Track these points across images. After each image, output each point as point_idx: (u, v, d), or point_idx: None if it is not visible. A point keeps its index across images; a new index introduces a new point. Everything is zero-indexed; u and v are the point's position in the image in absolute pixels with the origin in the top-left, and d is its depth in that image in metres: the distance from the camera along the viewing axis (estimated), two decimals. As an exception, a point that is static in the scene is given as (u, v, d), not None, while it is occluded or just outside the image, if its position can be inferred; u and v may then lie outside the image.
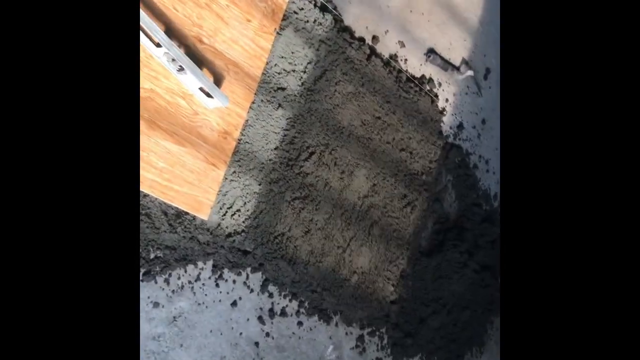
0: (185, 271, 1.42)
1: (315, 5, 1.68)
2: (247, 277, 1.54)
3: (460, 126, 2.23)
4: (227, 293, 1.50)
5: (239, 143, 1.49)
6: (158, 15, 1.31)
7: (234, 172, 1.48)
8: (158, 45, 1.28)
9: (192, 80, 1.34)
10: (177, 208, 1.37)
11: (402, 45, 2.00)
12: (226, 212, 1.47)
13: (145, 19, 1.24)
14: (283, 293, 1.62)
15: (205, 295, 1.46)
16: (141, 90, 1.29)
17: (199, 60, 1.38)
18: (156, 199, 1.33)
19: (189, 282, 1.43)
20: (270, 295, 1.59)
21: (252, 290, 1.55)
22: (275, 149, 1.57)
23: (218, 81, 1.42)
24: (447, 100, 2.17)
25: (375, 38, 1.89)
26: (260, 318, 1.57)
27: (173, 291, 1.40)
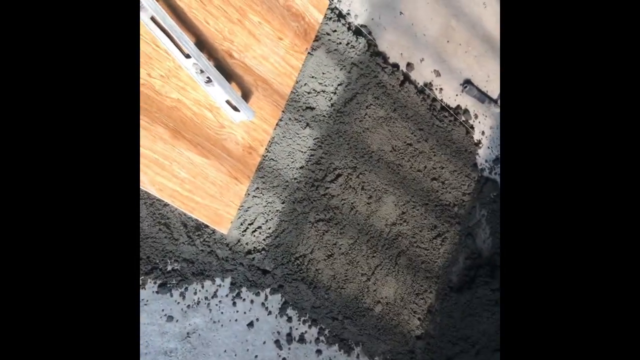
0: (202, 286, 1.39)
1: (349, 29, 1.68)
2: (266, 298, 1.49)
3: (496, 160, 2.16)
4: (245, 313, 1.45)
5: (263, 159, 1.47)
6: (189, 27, 1.33)
7: (257, 188, 1.46)
8: (187, 56, 1.29)
9: (219, 93, 1.34)
10: (197, 220, 1.35)
11: (438, 74, 1.97)
12: (247, 228, 1.44)
13: (176, 30, 1.25)
14: (302, 318, 1.56)
15: (222, 313, 1.42)
16: (168, 100, 1.29)
17: (227, 74, 1.38)
18: (176, 209, 1.32)
19: (206, 298, 1.39)
20: (289, 319, 1.53)
21: (270, 312, 1.50)
22: (300, 168, 1.55)
23: (246, 96, 1.42)
24: (483, 132, 2.12)
25: (409, 65, 1.88)
26: (277, 342, 1.51)
27: (188, 306, 1.36)
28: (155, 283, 1.31)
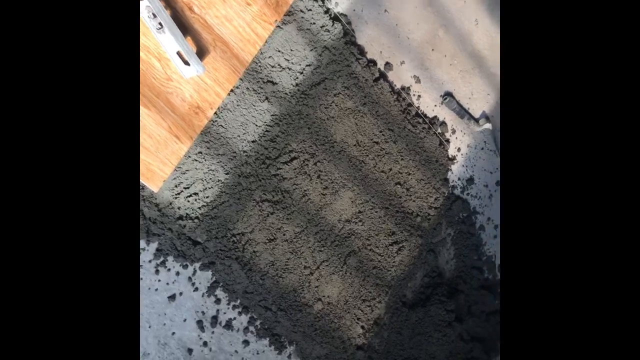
0: (123, 245, 1.28)
1: (326, 12, 1.62)
2: (194, 273, 1.39)
3: (470, 180, 2.08)
4: (167, 284, 1.35)
5: (211, 124, 1.39)
6: (149, -30, 1.27)
7: (200, 152, 1.37)
8: (141, -4, 1.23)
9: (170, 42, 1.27)
10: (127, 172, 1.27)
11: (418, 80, 1.91)
12: (181, 192, 1.35)
13: (131, -35, 1.19)
14: (232, 303, 1.45)
15: (141, 279, 1.31)
16: (114, 40, 1.22)
17: (184, 27, 1.32)
18: (104, 155, 1.23)
19: (125, 258, 1.29)
20: (217, 300, 1.43)
21: (196, 289, 1.39)
22: (252, 141, 1.47)
23: (201, 54, 1.35)
24: (459, 149, 2.04)
25: (388, 65, 1.81)
26: (199, 323, 1.40)
27: (103, 263, 1.26)
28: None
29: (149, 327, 1.32)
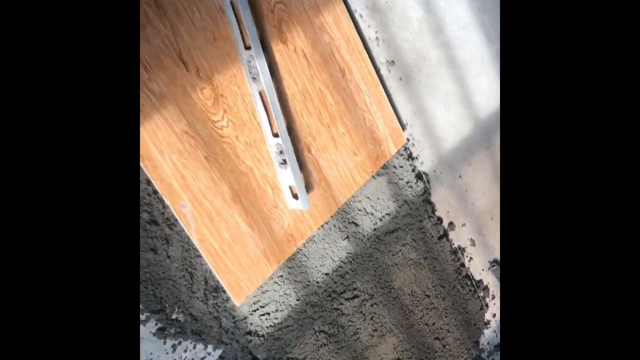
0: (194, 347, 1.37)
1: (413, 170, 1.79)
2: (244, 386, 1.46)
3: (497, 347, 2.16)
4: (219, 391, 1.42)
5: (297, 252, 1.52)
6: (285, 112, 1.44)
7: (281, 276, 1.49)
8: (275, 135, 1.40)
9: (287, 177, 1.42)
10: (219, 283, 1.38)
11: (473, 243, 2.05)
12: (257, 309, 1.45)
13: (277, 109, 1.37)
14: (268, 422, 1.51)
15: (199, 381, 1.39)
16: (242, 166, 1.38)
17: (300, 164, 1.48)
18: (206, 264, 1.35)
19: (192, 359, 1.37)
20: (256, 417, 1.49)
21: (242, 402, 1.46)
22: (326, 274, 1.58)
23: (307, 190, 1.50)
24: (494, 315, 2.14)
25: (451, 224, 1.96)
26: None
27: (173, 360, 1.34)
28: (156, 325, 1.30)
29: None
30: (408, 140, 1.78)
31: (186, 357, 1.36)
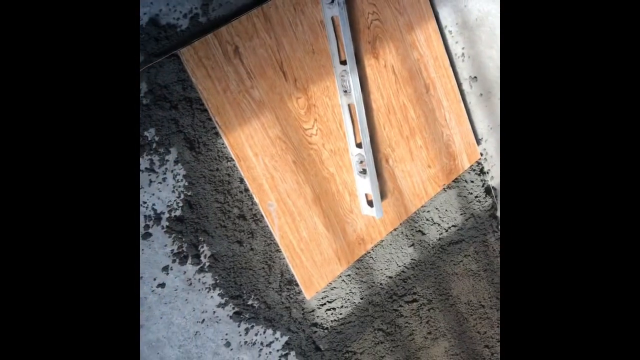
0: (264, 332, 1.50)
1: (482, 185, 1.85)
2: (305, 371, 1.58)
3: None
4: (282, 374, 1.55)
5: (366, 254, 1.61)
6: (369, 124, 1.52)
7: (349, 275, 1.59)
8: (359, 146, 1.48)
9: (365, 185, 1.51)
10: (293, 276, 1.49)
11: (532, 258, 2.09)
12: (325, 304, 1.56)
13: (363, 122, 1.45)
14: (322, 406, 1.63)
15: (265, 363, 1.52)
16: (325, 171, 1.47)
17: (378, 173, 1.56)
18: (284, 258, 1.46)
19: (262, 343, 1.50)
20: (312, 400, 1.61)
21: (301, 385, 1.58)
22: (389, 277, 1.68)
23: (381, 197, 1.59)
24: (544, 329, 2.19)
25: (513, 239, 2.01)
26: (292, 414, 1.58)
27: (246, 342, 1.47)
28: (233, 308, 1.43)
29: (256, 405, 1.51)
30: (481, 155, 1.83)
31: (256, 340, 1.49)
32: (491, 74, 1.83)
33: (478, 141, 1.82)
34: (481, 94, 1.82)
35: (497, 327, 1.98)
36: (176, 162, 1.28)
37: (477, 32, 1.76)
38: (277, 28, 1.35)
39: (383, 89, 1.54)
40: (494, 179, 1.90)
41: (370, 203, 1.53)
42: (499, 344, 2.00)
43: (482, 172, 1.84)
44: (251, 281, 1.45)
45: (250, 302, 1.46)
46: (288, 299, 1.51)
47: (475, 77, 1.79)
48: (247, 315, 1.46)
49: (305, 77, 1.41)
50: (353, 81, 1.42)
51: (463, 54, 1.74)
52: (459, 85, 1.75)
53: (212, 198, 1.35)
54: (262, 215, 1.41)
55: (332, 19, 1.40)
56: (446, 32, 1.69)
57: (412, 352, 1.76)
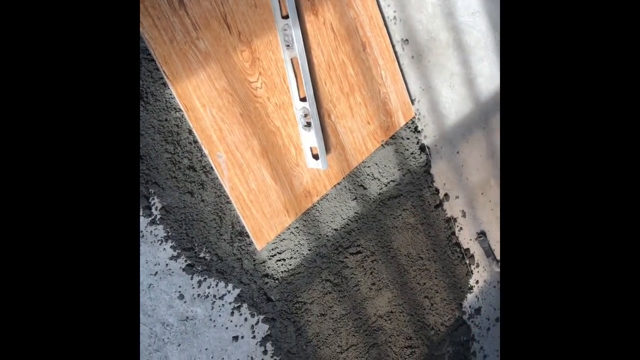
0: (217, 285, 1.53)
1: (417, 143, 1.95)
2: (257, 323, 1.62)
3: (478, 311, 2.36)
4: (235, 326, 1.58)
5: (312, 207, 1.67)
6: (312, 79, 1.58)
7: (297, 227, 1.65)
8: (303, 99, 1.54)
9: (309, 139, 1.57)
10: (244, 228, 1.53)
11: (464, 215, 2.23)
12: (275, 255, 1.61)
13: (306, 76, 1.51)
14: (275, 357, 1.67)
15: (219, 315, 1.54)
16: (271, 124, 1.52)
17: (321, 128, 1.62)
18: (234, 210, 1.50)
19: (214, 295, 1.53)
20: (265, 351, 1.65)
21: (254, 337, 1.62)
22: (335, 229, 1.74)
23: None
24: (477, 281, 2.33)
25: (446, 196, 2.13)
26: (246, 366, 1.62)
27: (199, 295, 1.49)
28: (185, 261, 1.45)
29: (212, 357, 1.54)
30: (415, 114, 1.94)
31: (209, 292, 1.52)
32: (421, 37, 1.94)
33: (412, 101, 1.92)
34: (412, 56, 1.92)
35: (435, 278, 2.10)
36: (125, 111, 1.29)
37: (407, -4, 1.86)
38: (220, -18, 1.38)
39: (323, 46, 1.60)
40: (427, 138, 2.01)
41: (315, 156, 1.59)
42: (437, 295, 2.12)
43: (416, 130, 1.95)
44: (203, 233, 1.47)
45: (202, 255, 1.49)
46: (239, 251, 1.54)
47: (406, 39, 1.89)
48: (199, 268, 1.48)
49: (249, 31, 1.44)
50: (296, 35, 1.47)
51: (395, 17, 1.84)
52: (393, 46, 1.84)
53: (162, 149, 1.36)
54: (211, 167, 1.44)
55: (273, -26, 1.45)
56: (379, -5, 1.78)
57: (358, 302, 1.84)
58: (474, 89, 2.17)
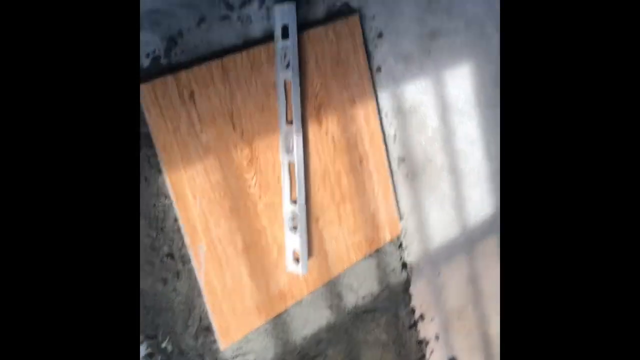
0: (173, 379, 1.46)
1: (400, 259, 1.95)
2: None
3: None
4: None
5: (284, 311, 1.64)
6: (305, 184, 1.60)
7: (266, 330, 1.60)
8: (294, 202, 1.55)
9: (294, 241, 1.57)
10: (211, 324, 1.49)
11: (437, 338, 2.19)
12: (238, 355, 1.55)
13: (301, 181, 1.53)
14: None
15: (169, 412, 1.47)
16: (258, 224, 1.52)
17: (308, 232, 1.63)
18: (205, 304, 1.46)
19: (168, 390, 1.46)
20: None
21: None
22: (304, 338, 1.70)
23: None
24: (442, 410, 2.25)
25: (422, 317, 2.10)
26: None
27: (152, 387, 1.43)
28: (147, 348, 1.40)
29: None
30: (402, 231, 1.95)
31: (164, 386, 1.45)
32: (418, 157, 1.99)
33: (400, 216, 1.94)
34: (407, 175, 1.96)
35: (399, 401, 2.03)
36: (115, 191, 1.29)
37: (409, 118, 1.94)
38: (233, 81, 1.43)
39: (322, 154, 1.64)
40: (410, 255, 2.02)
41: (296, 260, 1.58)
42: (399, 419, 2.04)
43: (400, 246, 1.95)
44: (169, 323, 1.43)
45: (164, 345, 1.43)
46: (203, 347, 1.49)
47: (403, 158, 1.94)
48: (159, 358, 1.43)
49: (252, 131, 1.48)
50: (297, 141, 1.51)
51: (395, 136, 1.90)
52: (389, 163, 1.88)
53: (144, 233, 1.35)
54: (190, 258, 1.43)
55: (284, 81, 1.51)
56: (383, 114, 1.85)
57: (316, 418, 1.77)
58: (463, 214, 2.21)
